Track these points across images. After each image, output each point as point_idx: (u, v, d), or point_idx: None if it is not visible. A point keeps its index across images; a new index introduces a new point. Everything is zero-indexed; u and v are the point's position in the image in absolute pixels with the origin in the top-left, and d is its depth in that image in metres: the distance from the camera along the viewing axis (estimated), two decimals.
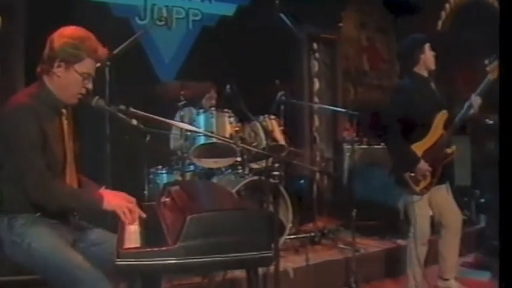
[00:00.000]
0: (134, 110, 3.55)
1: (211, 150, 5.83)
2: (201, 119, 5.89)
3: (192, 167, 6.15)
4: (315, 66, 8.73)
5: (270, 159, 5.99)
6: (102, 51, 3.47)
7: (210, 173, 6.18)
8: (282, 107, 6.49)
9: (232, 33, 7.48)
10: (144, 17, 7.19)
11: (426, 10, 8.58)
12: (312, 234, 6.40)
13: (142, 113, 3.56)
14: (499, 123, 2.02)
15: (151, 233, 3.10)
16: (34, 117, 3.25)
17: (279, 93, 6.40)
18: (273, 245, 3.00)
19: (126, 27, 6.92)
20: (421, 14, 8.51)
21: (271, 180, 5.71)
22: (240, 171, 6.03)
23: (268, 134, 5.89)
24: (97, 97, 3.50)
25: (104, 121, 5.31)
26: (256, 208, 3.07)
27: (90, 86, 3.47)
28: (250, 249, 2.81)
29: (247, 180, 5.65)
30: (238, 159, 5.97)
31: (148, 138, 5.62)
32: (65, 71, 3.37)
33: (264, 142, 5.85)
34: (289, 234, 6.07)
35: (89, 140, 5.69)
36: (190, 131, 4.45)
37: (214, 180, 6.03)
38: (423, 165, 4.98)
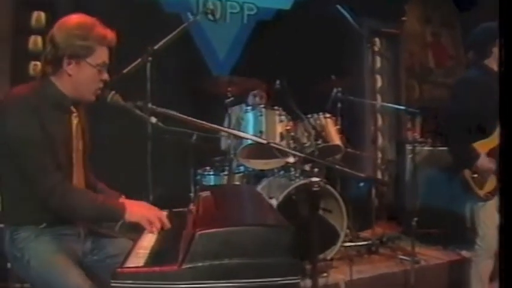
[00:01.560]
0: (153, 107, 3.15)
1: (260, 150, 5.28)
2: (249, 116, 5.36)
3: (242, 168, 5.65)
4: (377, 62, 8.12)
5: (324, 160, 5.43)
6: (111, 36, 3.03)
7: (261, 174, 5.64)
8: (339, 105, 5.88)
9: (288, 28, 6.88)
10: (196, 13, 6.68)
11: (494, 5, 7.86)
12: (370, 242, 5.77)
13: (162, 109, 3.15)
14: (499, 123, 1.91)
15: (171, 247, 2.60)
16: (34, 112, 2.86)
17: (335, 90, 5.80)
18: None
19: (178, 24, 6.44)
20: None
21: (324, 184, 5.10)
22: (293, 173, 5.43)
23: (319, 133, 5.28)
24: (112, 92, 3.13)
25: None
26: (286, 224, 2.42)
27: (107, 77, 3.07)
28: (273, 274, 2.24)
29: (297, 184, 5.07)
30: (291, 160, 5.37)
31: (194, 137, 5.22)
32: (76, 68, 2.97)
33: (314, 142, 5.25)
34: (345, 242, 5.48)
35: (127, 139, 5.40)
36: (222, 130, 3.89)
37: (264, 182, 5.47)
38: (484, 162, 4.32)
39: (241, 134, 3.30)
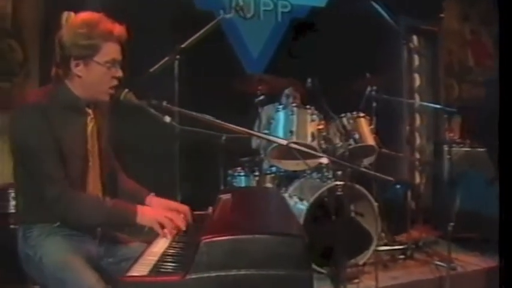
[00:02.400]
0: (168, 105, 2.98)
1: (291, 150, 5.02)
2: (280, 116, 5.15)
3: (273, 169, 5.43)
4: (415, 60, 7.82)
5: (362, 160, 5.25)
6: (119, 30, 2.86)
7: (293, 175, 5.42)
8: (374, 104, 5.62)
9: (323, 26, 6.63)
10: (229, 10, 6.50)
11: None
12: (405, 246, 5.48)
13: (178, 108, 3.05)
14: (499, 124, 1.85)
15: (182, 254, 2.44)
16: (44, 118, 2.74)
17: (369, 88, 5.54)
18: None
19: (211, 21, 6.29)
20: None
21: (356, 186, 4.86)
22: (326, 174, 5.20)
23: (351, 133, 5.03)
24: (126, 90, 2.95)
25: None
26: (300, 234, 2.19)
27: (119, 73, 2.90)
28: (283, 287, 2.02)
29: (330, 186, 4.83)
30: (324, 161, 5.12)
31: (224, 137, 5.04)
32: (85, 69, 2.83)
33: (346, 143, 5.01)
34: (380, 245, 5.24)
35: (154, 139, 5.25)
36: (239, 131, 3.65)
37: (296, 184, 5.27)
38: None
39: (258, 134, 3.06)
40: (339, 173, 4.97)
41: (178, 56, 4.82)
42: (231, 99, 5.64)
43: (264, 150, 5.13)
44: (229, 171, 5.56)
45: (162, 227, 2.78)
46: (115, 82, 2.89)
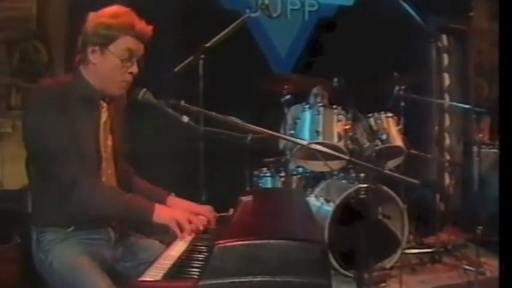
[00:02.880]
0: (187, 105, 2.91)
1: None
2: (306, 116, 5.05)
3: (300, 170, 5.32)
4: (445, 60, 7.62)
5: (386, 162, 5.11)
6: (142, 27, 2.79)
7: (319, 176, 5.30)
8: (402, 104, 5.46)
9: (351, 24, 6.50)
10: (255, 9, 6.39)
11: None
12: (433, 250, 5.30)
13: (197, 108, 2.95)
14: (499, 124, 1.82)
15: (199, 258, 2.34)
16: (58, 104, 2.69)
17: (397, 88, 5.39)
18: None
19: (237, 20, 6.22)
20: None
21: (384, 187, 4.73)
22: (353, 175, 5.07)
23: (375, 133, 4.90)
24: (144, 90, 2.86)
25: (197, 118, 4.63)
26: (318, 240, 2.08)
27: (134, 69, 2.81)
28: None
29: (356, 187, 4.71)
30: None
31: (250, 137, 4.93)
32: (100, 57, 2.78)
33: (372, 144, 4.88)
34: (408, 248, 5.10)
35: (178, 139, 5.18)
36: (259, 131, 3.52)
37: (322, 185, 5.16)
38: None
39: (277, 134, 2.94)
40: (362, 175, 4.84)
41: (202, 56, 4.73)
42: (257, 98, 5.54)
43: (290, 151, 5.03)
44: (255, 172, 5.47)
45: (181, 228, 2.69)
46: (128, 77, 2.82)
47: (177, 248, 2.53)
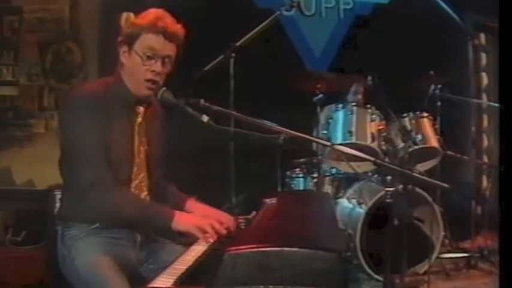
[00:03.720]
0: (207, 104, 2.80)
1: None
2: (339, 115, 4.91)
3: (333, 171, 5.17)
4: (483, 59, 7.34)
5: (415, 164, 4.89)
6: (165, 24, 2.72)
7: (353, 177, 5.12)
8: (439, 103, 5.25)
9: (387, 22, 6.33)
10: (289, 7, 6.25)
11: None
12: (469, 254, 5.06)
13: (217, 107, 2.81)
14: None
15: (214, 264, 2.15)
16: (95, 106, 2.68)
17: (432, 87, 5.18)
18: None
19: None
20: None
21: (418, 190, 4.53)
22: (388, 177, 4.87)
23: (408, 134, 4.71)
24: (163, 88, 2.80)
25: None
26: (337, 249, 1.90)
27: (158, 68, 2.75)
28: None
29: (390, 189, 4.47)
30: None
31: (282, 137, 4.79)
32: (128, 57, 2.78)
33: (407, 144, 4.68)
34: (443, 253, 4.90)
35: (208, 139, 5.07)
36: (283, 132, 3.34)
37: (355, 186, 5.01)
38: None
39: (302, 136, 2.80)
40: (388, 178, 4.66)
41: (233, 54, 4.63)
42: (289, 98, 5.42)
43: (323, 152, 4.89)
44: (288, 173, 5.34)
45: (203, 232, 2.63)
46: (151, 76, 2.74)
47: (194, 253, 2.47)
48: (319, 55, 6.73)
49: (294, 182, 5.29)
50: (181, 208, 2.97)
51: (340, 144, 4.68)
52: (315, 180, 5.12)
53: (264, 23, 4.89)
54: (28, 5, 5.94)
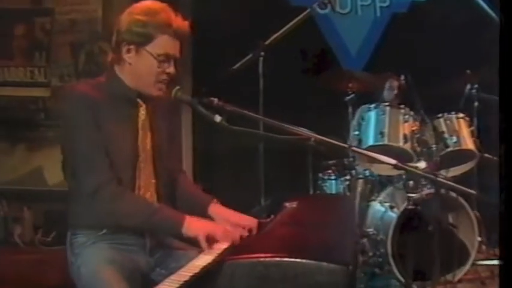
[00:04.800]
0: (221, 103, 2.67)
1: (384, 153, 4.49)
2: (371, 116, 4.69)
3: (367, 173, 4.93)
4: None
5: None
6: (180, 24, 2.66)
7: (386, 180, 4.93)
8: (476, 104, 5.01)
9: (423, 20, 6.09)
10: (323, 6, 6.07)
11: None
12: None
13: (232, 107, 2.66)
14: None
15: None
16: (90, 107, 2.57)
17: (468, 86, 4.93)
18: None
19: (305, 18, 5.96)
20: None
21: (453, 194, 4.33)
22: (411, 182, 4.67)
23: (444, 135, 4.51)
24: (177, 87, 2.71)
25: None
26: (343, 262, 1.76)
27: (171, 70, 2.66)
28: None
29: (424, 193, 4.36)
30: (422, 165, 4.57)
31: (313, 138, 4.63)
32: (136, 56, 2.64)
33: (441, 146, 4.46)
34: (479, 260, 4.63)
35: (237, 141, 4.96)
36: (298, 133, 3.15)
37: (388, 190, 4.82)
38: None
39: (316, 136, 2.63)
40: (411, 183, 4.45)
41: (262, 53, 4.54)
42: (320, 97, 5.27)
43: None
44: (320, 175, 5.16)
45: (212, 239, 2.49)
46: (164, 77, 2.65)
47: (204, 259, 2.32)
48: (355, 54, 6.53)
49: (326, 184, 5.10)
50: (203, 211, 2.84)
51: (372, 146, 4.57)
52: (347, 182, 4.93)
53: (293, 21, 4.74)
54: (60, 6, 5.96)
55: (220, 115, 2.59)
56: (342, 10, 6.41)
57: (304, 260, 1.70)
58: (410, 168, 2.49)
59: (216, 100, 2.65)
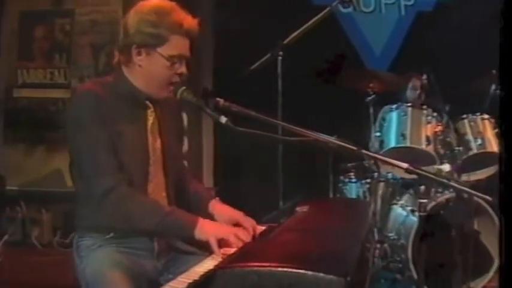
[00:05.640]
0: (228, 104, 2.58)
1: (406, 155, 4.41)
2: (393, 117, 4.58)
3: (389, 175, 4.77)
4: None
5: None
6: (190, 24, 2.59)
7: (409, 183, 4.79)
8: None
9: (449, 19, 5.92)
10: (347, 5, 5.93)
11: None
12: None
13: (239, 107, 2.56)
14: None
15: None
16: (97, 107, 2.50)
17: (493, 86, 4.75)
18: None
19: (328, 17, 5.86)
20: None
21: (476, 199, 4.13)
22: (422, 187, 4.59)
23: (468, 137, 4.36)
24: (183, 88, 2.62)
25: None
26: (341, 273, 1.63)
27: (183, 70, 2.62)
28: None
29: (447, 196, 4.22)
30: (446, 168, 4.42)
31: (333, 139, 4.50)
32: (147, 58, 2.57)
33: (464, 149, 4.30)
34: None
35: (255, 141, 4.85)
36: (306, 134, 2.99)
37: (410, 193, 4.70)
38: None
39: (324, 139, 2.50)
40: (422, 187, 4.29)
41: (281, 53, 4.35)
42: (340, 98, 5.17)
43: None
44: (341, 177, 5.03)
45: (223, 243, 2.43)
46: (176, 78, 2.60)
47: (207, 264, 2.28)
48: (379, 54, 6.38)
49: (347, 187, 4.98)
50: (204, 208, 2.82)
51: (394, 148, 4.42)
52: (368, 185, 4.79)
53: (312, 20, 4.59)
54: (80, 7, 5.92)
55: (226, 116, 2.50)
56: (365, 9, 6.28)
57: (299, 270, 1.59)
58: (422, 172, 2.34)
59: (222, 101, 2.58)
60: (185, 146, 5.75)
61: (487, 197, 2.21)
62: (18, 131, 5.99)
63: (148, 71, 2.57)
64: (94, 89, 2.55)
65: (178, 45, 2.56)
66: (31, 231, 5.63)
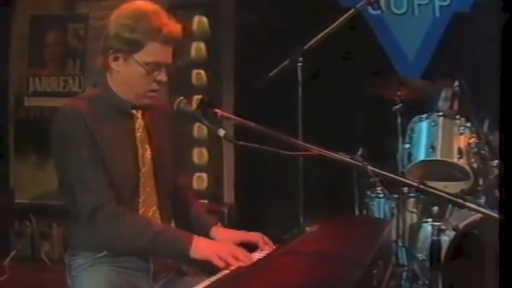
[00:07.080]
0: (227, 115, 2.60)
1: (438, 169, 4.25)
2: (423, 127, 4.36)
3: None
4: None
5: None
6: (171, 29, 2.54)
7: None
8: None
9: (488, 20, 5.63)
10: (376, 6, 5.70)
11: None
12: None
13: (238, 118, 2.58)
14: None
15: None
16: (83, 123, 2.49)
17: None
18: None
19: (357, 19, 5.66)
20: None
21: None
22: (482, 200, 4.24)
23: (493, 150, 4.07)
24: (180, 98, 2.62)
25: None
26: None
27: (163, 78, 2.59)
28: None
29: (479, 215, 3.83)
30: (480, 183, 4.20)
31: (359, 152, 4.30)
32: (124, 64, 2.55)
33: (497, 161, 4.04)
34: None
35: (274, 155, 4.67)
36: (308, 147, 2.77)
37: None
38: None
39: (335, 156, 2.34)
40: (435, 208, 4.04)
41: (301, 59, 4.21)
42: (366, 106, 4.97)
43: (403, 169, 4.35)
44: (368, 192, 4.79)
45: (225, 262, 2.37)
46: (156, 87, 2.59)
47: (204, 284, 2.22)
48: (413, 59, 6.05)
49: (374, 202, 4.73)
50: (204, 233, 2.75)
51: (423, 162, 4.19)
52: (396, 201, 4.51)
53: (336, 23, 4.40)
54: (94, 11, 5.82)
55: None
56: (397, 10, 5.96)
57: None
58: (434, 191, 2.18)
59: (220, 112, 2.53)
60: (205, 158, 5.64)
61: (496, 215, 2.04)
62: (29, 142, 5.90)
63: (126, 78, 2.55)
64: (77, 106, 2.52)
65: (155, 51, 2.51)
66: (41, 246, 5.58)
